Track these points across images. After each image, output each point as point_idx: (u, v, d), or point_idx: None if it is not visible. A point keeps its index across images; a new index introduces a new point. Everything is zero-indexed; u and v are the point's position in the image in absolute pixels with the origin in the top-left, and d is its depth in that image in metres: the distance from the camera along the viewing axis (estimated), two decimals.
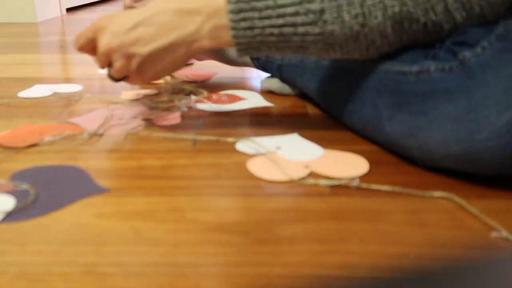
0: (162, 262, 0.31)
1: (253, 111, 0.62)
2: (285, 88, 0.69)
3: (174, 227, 0.36)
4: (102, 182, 0.43)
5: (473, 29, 0.40)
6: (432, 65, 0.41)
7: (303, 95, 0.68)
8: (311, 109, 0.63)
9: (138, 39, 0.47)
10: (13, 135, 0.53)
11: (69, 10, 1.89)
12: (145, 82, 0.52)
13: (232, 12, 0.43)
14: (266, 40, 0.43)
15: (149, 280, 0.30)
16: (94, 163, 0.47)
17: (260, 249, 0.33)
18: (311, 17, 0.41)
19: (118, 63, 0.49)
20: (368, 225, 0.36)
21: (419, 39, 0.43)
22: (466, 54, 0.39)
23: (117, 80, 0.53)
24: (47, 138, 0.51)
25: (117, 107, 0.64)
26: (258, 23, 0.42)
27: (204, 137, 0.52)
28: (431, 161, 0.42)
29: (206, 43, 0.46)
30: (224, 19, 0.44)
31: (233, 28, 0.43)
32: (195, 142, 0.51)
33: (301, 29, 0.42)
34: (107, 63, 0.51)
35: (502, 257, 0.32)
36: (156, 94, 0.70)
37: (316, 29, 0.42)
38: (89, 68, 0.88)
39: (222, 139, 0.52)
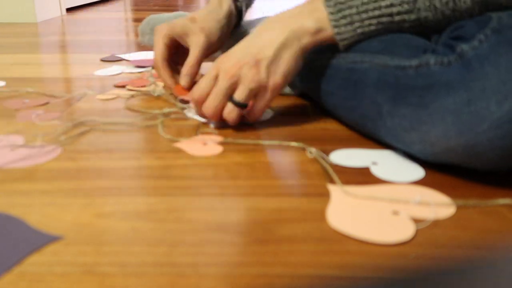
0: (162, 262, 0.31)
1: None
2: (285, 88, 0.69)
3: (174, 227, 0.36)
4: (102, 182, 0.43)
5: (468, 24, 0.42)
6: (431, 59, 0.42)
7: (303, 95, 0.68)
8: (311, 109, 0.63)
9: (260, 48, 0.51)
10: None
11: (69, 10, 1.89)
12: (273, 94, 0.52)
13: (331, 13, 0.49)
14: (367, 31, 0.49)
15: (149, 280, 0.30)
16: (94, 162, 0.47)
17: (260, 249, 0.33)
18: (405, 7, 0.46)
19: (249, 73, 0.50)
20: None
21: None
22: (464, 47, 0.40)
23: (242, 106, 0.52)
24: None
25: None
26: (356, 17, 0.48)
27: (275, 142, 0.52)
28: (433, 155, 0.42)
29: (311, 38, 0.51)
30: (325, 20, 0.49)
31: (335, 26, 0.49)
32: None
33: (397, 18, 0.47)
34: (233, 88, 0.51)
35: (502, 257, 0.32)
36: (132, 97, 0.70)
37: (412, 16, 0.47)
38: (89, 68, 0.88)
39: (286, 143, 0.52)
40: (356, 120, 0.51)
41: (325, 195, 0.40)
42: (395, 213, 0.37)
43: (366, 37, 0.50)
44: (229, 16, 0.66)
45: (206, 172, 0.45)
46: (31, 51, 1.06)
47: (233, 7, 0.67)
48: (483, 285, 0.29)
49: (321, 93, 0.57)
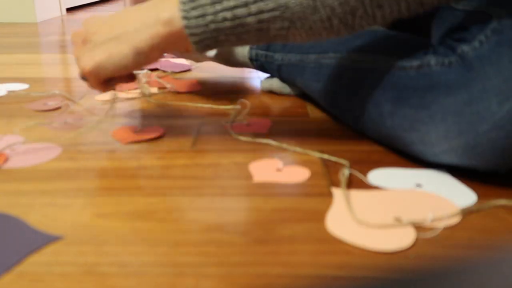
0: (162, 262, 0.31)
1: (251, 112, 0.62)
2: (285, 88, 0.69)
3: (174, 227, 0.36)
4: (102, 182, 0.43)
5: (470, 26, 0.41)
6: (432, 59, 0.42)
7: (303, 95, 0.68)
8: (311, 109, 0.63)
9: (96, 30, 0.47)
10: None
11: (69, 10, 1.89)
12: (98, 79, 0.48)
13: (182, 2, 0.41)
14: (221, 27, 0.41)
15: (149, 280, 0.30)
16: (94, 162, 0.47)
17: (260, 249, 0.33)
18: None
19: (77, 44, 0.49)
20: None
21: (395, 12, 0.38)
22: (464, 48, 0.40)
23: (82, 77, 0.50)
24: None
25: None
26: (209, 9, 0.40)
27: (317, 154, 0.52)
28: (433, 156, 0.42)
29: (160, 29, 0.43)
30: (176, 12, 0.42)
31: (185, 18, 0.41)
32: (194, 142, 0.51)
33: (254, 8, 0.39)
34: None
35: (502, 257, 0.32)
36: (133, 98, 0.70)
37: (270, 4, 0.39)
38: None
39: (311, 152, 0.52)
40: (356, 120, 0.51)
41: (325, 195, 0.40)
42: (398, 219, 0.36)
43: (220, 36, 0.42)
44: None
45: (206, 172, 0.45)
46: (31, 51, 1.06)
47: None
48: (483, 285, 0.29)
49: (321, 94, 0.57)
